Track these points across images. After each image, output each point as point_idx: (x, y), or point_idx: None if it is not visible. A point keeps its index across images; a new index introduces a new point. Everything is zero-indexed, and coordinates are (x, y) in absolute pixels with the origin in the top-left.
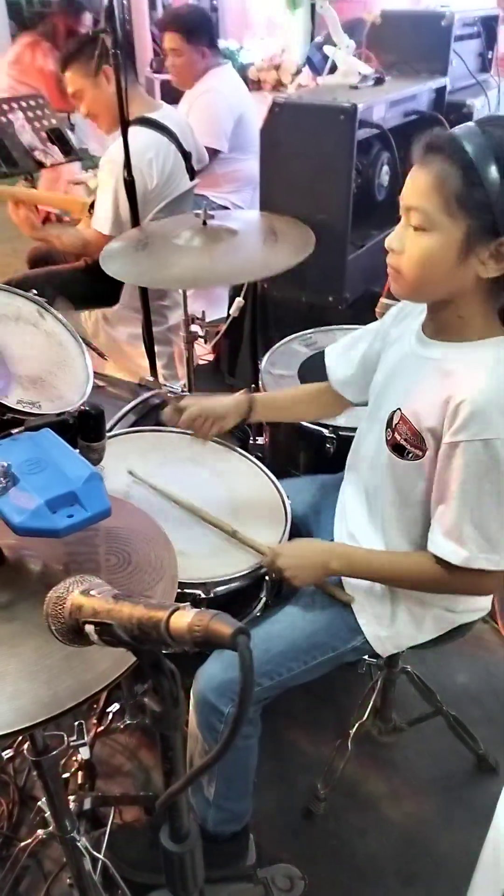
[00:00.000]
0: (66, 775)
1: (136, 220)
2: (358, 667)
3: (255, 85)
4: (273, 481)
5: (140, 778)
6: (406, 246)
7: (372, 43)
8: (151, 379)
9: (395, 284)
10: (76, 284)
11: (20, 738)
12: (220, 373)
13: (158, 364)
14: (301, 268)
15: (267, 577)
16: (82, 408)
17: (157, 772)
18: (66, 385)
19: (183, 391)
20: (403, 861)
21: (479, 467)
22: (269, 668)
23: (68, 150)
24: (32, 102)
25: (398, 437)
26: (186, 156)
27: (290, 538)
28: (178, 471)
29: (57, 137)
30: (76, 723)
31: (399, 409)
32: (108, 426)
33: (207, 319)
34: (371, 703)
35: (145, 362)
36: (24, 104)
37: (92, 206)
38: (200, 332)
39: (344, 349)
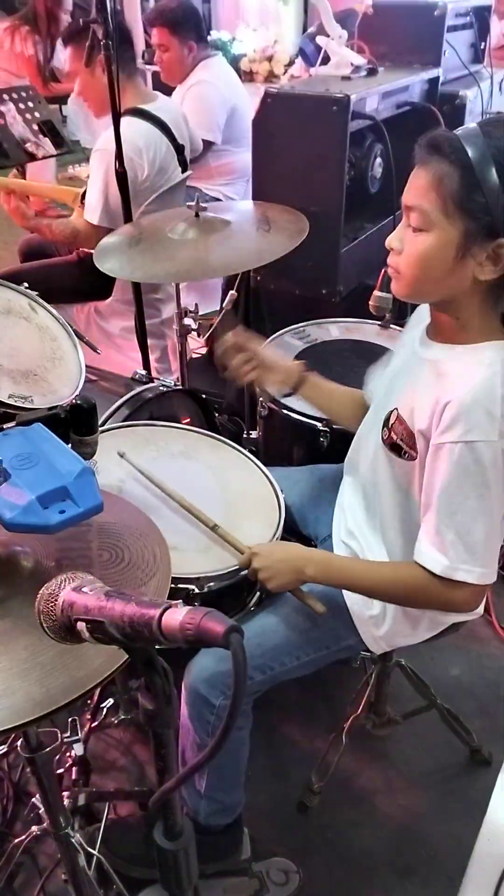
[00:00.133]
0: (59, 771)
1: (127, 212)
2: (352, 661)
3: (247, 76)
4: (266, 475)
5: (134, 773)
6: (405, 246)
7: (364, 33)
8: (144, 372)
9: (394, 284)
10: (68, 278)
11: (14, 734)
12: (214, 366)
13: (151, 358)
14: (294, 260)
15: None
16: (74, 402)
17: (151, 767)
18: (58, 379)
19: (176, 385)
20: (398, 853)
21: (462, 470)
22: (261, 661)
23: (60, 143)
24: (24, 94)
25: (394, 437)
26: (179, 148)
27: (285, 531)
28: (170, 465)
29: (49, 129)
30: (70, 719)
31: (396, 408)
32: (100, 420)
33: (200, 312)
34: (365, 696)
35: (138, 356)
36: (15, 96)
37: (84, 196)
38: (193, 326)
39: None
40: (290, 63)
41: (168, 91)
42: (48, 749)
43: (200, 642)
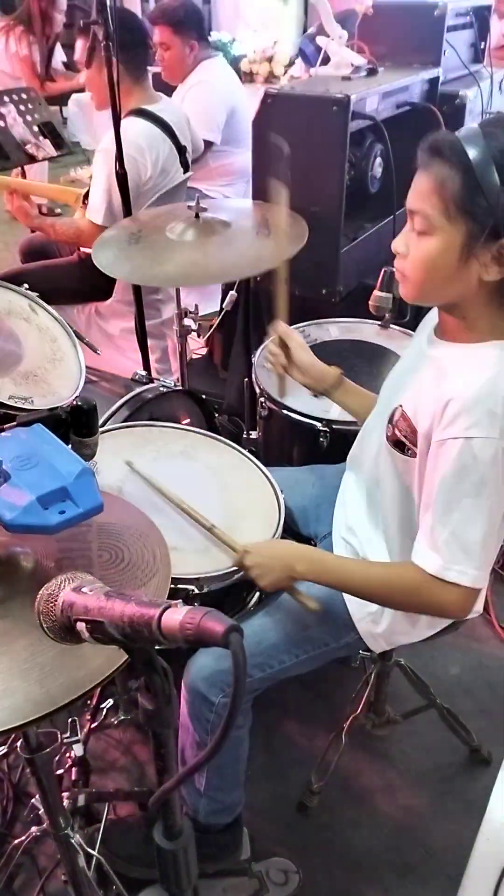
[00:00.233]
0: (59, 772)
1: (128, 212)
2: (351, 660)
3: (247, 77)
4: (266, 475)
5: (134, 773)
6: (410, 249)
7: (364, 34)
8: (144, 373)
9: (402, 287)
10: (69, 279)
11: (13, 735)
12: (214, 367)
13: (152, 358)
14: (294, 261)
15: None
16: (75, 403)
17: (151, 767)
18: (58, 380)
19: (176, 386)
20: (398, 853)
21: (460, 467)
22: (260, 659)
23: (60, 144)
24: (24, 96)
25: (398, 434)
26: (181, 149)
27: (285, 532)
28: (170, 465)
29: (49, 131)
30: (70, 719)
31: (400, 405)
32: (100, 421)
33: (200, 313)
34: (364, 696)
35: (138, 357)
36: (15, 97)
37: (86, 197)
38: (193, 326)
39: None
40: (291, 64)
41: (168, 91)
42: (48, 750)
43: (200, 642)
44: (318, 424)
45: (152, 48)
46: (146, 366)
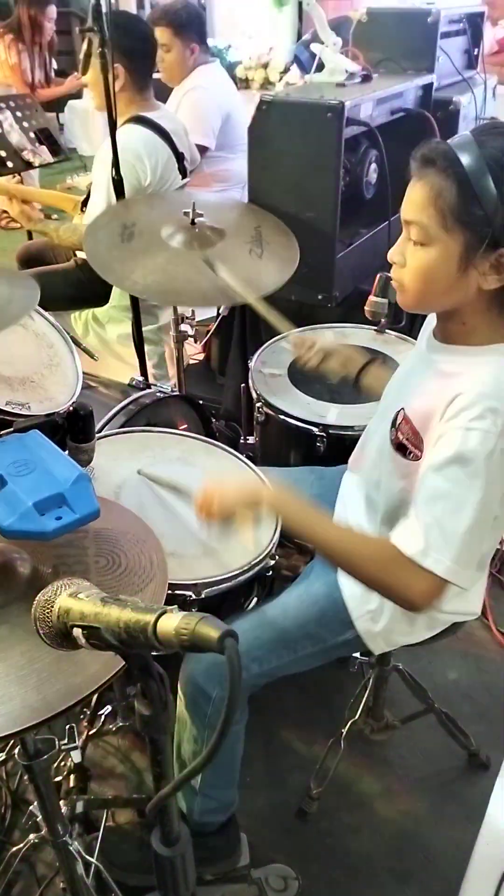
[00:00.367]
0: (57, 779)
1: None
2: (349, 665)
3: (243, 83)
4: (263, 480)
5: (133, 780)
6: (407, 259)
7: (358, 40)
8: (141, 379)
9: (400, 297)
10: (66, 285)
11: (11, 741)
12: (211, 372)
13: (149, 364)
14: None
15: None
16: (71, 408)
17: (149, 774)
18: (55, 386)
19: (173, 391)
20: (397, 858)
21: (455, 455)
22: (258, 654)
23: (57, 151)
24: (21, 102)
25: (401, 437)
26: (179, 156)
27: (282, 536)
28: (167, 470)
29: (46, 137)
30: (67, 726)
31: (403, 409)
32: (97, 427)
33: (197, 319)
34: (363, 701)
35: (135, 362)
36: (12, 104)
37: (84, 203)
38: (190, 332)
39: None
40: (286, 70)
41: (164, 94)
42: (46, 756)
43: (195, 648)
44: (315, 429)
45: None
46: (143, 371)
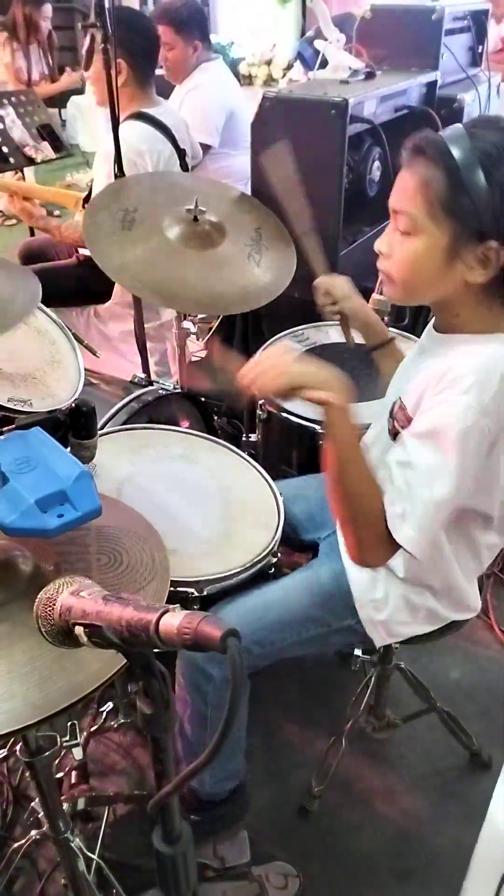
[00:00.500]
0: (59, 775)
1: None
2: (351, 663)
3: (246, 80)
4: (265, 478)
5: (134, 776)
6: (394, 250)
7: (362, 37)
8: (143, 376)
9: (386, 288)
10: (68, 281)
11: (13, 738)
12: (214, 370)
13: (151, 361)
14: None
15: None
16: (73, 405)
17: (150, 770)
18: (57, 383)
19: (175, 389)
20: (398, 857)
21: (431, 428)
22: (261, 635)
23: (59, 146)
24: (23, 98)
25: (397, 426)
26: (181, 153)
27: (287, 539)
28: (170, 468)
29: (48, 133)
30: (69, 723)
31: (399, 397)
32: (99, 424)
33: (199, 316)
34: (365, 699)
35: (137, 359)
36: (14, 99)
37: (86, 200)
38: (193, 329)
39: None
40: (289, 67)
41: (167, 91)
42: (47, 753)
43: (198, 647)
44: (318, 427)
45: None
46: (145, 368)
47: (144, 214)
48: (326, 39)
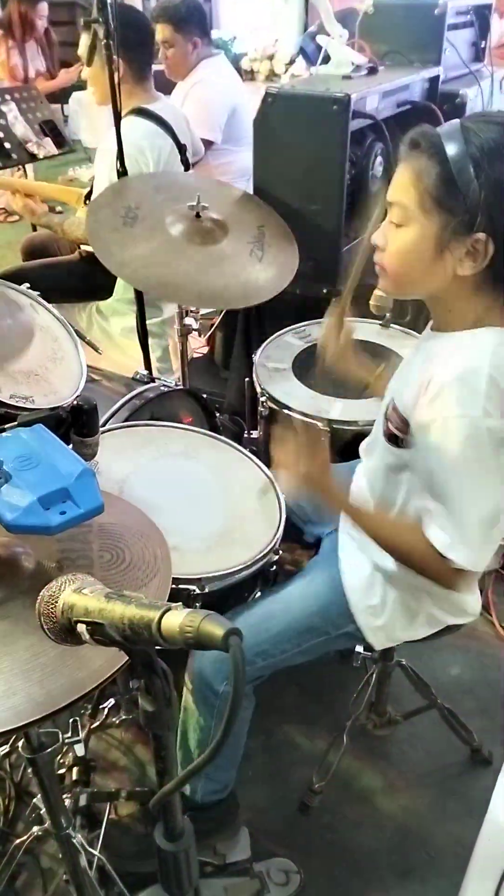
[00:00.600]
0: (61, 772)
1: None
2: (353, 660)
3: (248, 75)
4: (267, 475)
5: (136, 773)
6: (388, 242)
7: (364, 32)
8: (145, 372)
9: (381, 280)
10: (71, 277)
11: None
12: (215, 366)
13: (153, 357)
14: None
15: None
16: (76, 402)
17: (152, 767)
18: (59, 379)
19: (177, 385)
20: (399, 854)
21: (444, 449)
22: (265, 647)
23: (61, 142)
24: (25, 94)
25: (391, 427)
26: (182, 148)
27: (290, 533)
28: (171, 465)
29: (50, 129)
30: (71, 719)
31: (393, 399)
32: (101, 420)
33: (201, 312)
34: (366, 696)
35: (139, 356)
36: (17, 95)
37: (88, 196)
38: (195, 325)
39: None
40: (291, 62)
41: (169, 88)
42: (49, 749)
43: (200, 645)
44: (319, 424)
45: (156, 46)
46: (147, 365)
47: (147, 211)
48: (329, 34)
